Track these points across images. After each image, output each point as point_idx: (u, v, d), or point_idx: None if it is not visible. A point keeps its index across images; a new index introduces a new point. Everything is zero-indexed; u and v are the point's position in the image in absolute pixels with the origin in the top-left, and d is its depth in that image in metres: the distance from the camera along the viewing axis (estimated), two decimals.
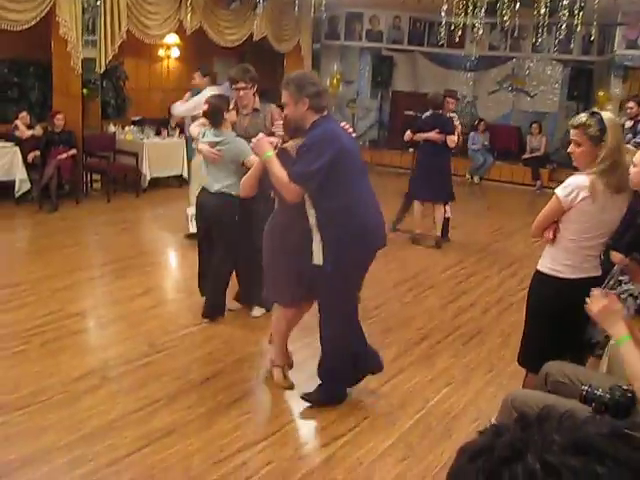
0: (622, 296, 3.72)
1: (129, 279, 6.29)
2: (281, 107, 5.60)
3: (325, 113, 3.82)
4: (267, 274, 4.18)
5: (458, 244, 8.33)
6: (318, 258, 3.80)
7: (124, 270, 6.53)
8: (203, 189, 5.22)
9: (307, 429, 3.90)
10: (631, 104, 8.33)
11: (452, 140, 7.72)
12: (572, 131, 3.38)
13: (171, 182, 10.87)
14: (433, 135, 7.71)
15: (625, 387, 2.81)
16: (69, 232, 7.86)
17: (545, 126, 13.40)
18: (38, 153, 8.97)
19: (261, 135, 3.87)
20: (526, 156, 13.03)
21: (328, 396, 4.11)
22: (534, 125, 13.07)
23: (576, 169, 3.45)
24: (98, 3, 9.64)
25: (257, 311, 5.49)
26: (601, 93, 11.83)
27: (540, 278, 3.58)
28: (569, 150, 3.44)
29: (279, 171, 3.72)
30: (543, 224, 3.50)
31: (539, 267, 3.59)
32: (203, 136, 5.11)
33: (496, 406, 3.94)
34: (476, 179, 13.18)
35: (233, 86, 5.16)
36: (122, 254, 7.07)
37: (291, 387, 4.29)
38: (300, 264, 3.92)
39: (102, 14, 9.55)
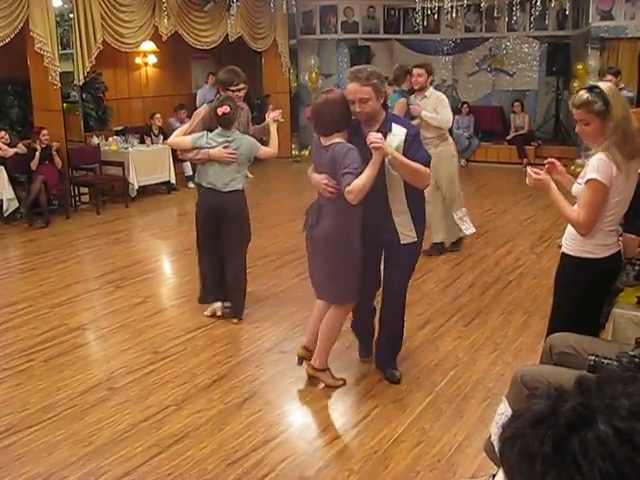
0: None
1: (126, 289, 6.28)
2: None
3: None
4: (333, 278, 4.03)
5: None
6: (409, 236, 3.99)
7: (120, 280, 6.51)
8: (210, 189, 5.09)
9: (319, 423, 3.90)
10: (609, 77, 8.33)
11: None
12: (576, 111, 3.24)
13: (159, 189, 10.85)
14: None
15: (632, 353, 2.83)
16: (61, 247, 7.82)
17: (527, 104, 13.42)
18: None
19: (378, 134, 3.65)
20: (511, 135, 13.04)
21: None
22: (516, 103, 13.07)
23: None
24: (71, 15, 9.59)
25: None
26: (579, 66, 11.85)
27: (570, 260, 3.42)
28: (577, 131, 3.33)
29: (413, 162, 3.75)
30: (597, 216, 3.23)
31: (567, 251, 3.43)
32: (202, 140, 5.01)
33: (504, 384, 3.97)
34: (462, 162, 13.16)
35: (232, 88, 5.15)
36: (116, 265, 7.05)
37: (345, 382, 4.26)
38: (359, 256, 4.05)
39: (76, 26, 9.50)
